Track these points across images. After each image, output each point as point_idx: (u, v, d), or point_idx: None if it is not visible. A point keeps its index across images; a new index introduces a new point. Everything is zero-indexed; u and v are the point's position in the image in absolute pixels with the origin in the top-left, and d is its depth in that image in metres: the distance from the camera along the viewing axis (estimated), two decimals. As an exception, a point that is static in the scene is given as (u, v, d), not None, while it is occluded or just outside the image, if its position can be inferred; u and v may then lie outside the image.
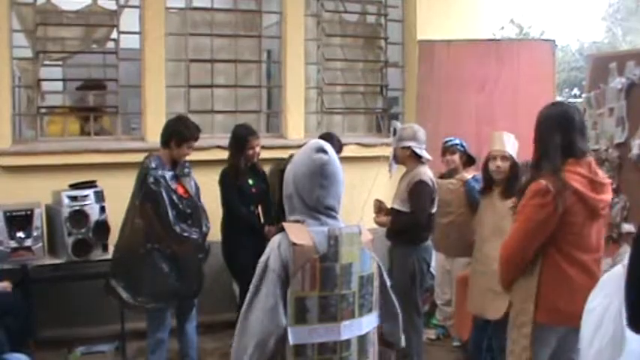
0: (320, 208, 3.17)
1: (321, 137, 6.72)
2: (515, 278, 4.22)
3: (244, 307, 3.11)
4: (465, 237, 6.40)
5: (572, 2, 32.15)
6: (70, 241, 6.07)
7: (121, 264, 5.64)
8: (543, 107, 4.38)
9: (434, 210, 5.92)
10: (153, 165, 5.54)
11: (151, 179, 5.48)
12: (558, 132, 4.12)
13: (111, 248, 6.18)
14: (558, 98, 22.47)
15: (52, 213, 6.30)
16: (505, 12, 28.29)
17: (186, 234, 5.57)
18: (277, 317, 3.02)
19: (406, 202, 5.80)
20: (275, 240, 3.13)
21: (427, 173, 5.84)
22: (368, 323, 3.24)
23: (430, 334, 7.15)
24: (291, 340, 3.03)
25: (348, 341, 3.15)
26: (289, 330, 3.03)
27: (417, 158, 5.90)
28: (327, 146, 3.22)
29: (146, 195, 5.49)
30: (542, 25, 28.93)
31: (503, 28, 28.09)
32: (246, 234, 6.34)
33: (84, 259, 6.16)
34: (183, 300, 5.83)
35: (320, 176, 3.15)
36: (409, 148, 5.87)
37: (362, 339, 3.21)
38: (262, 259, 3.11)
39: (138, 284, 5.58)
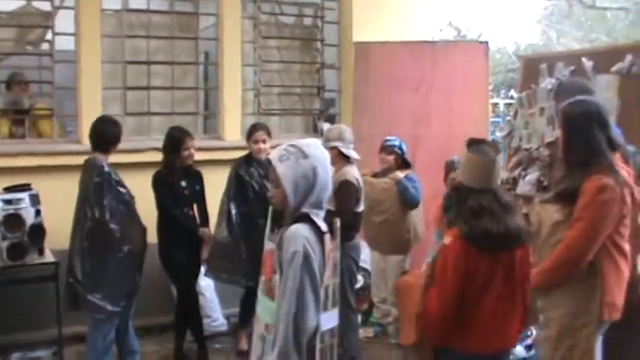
0: (325, 201, 3.35)
1: (254, 126, 6.73)
2: (565, 280, 4.14)
3: (292, 299, 3.11)
4: (398, 235, 6.54)
5: (508, 5, 32.59)
6: (4, 245, 5.95)
7: (96, 274, 5.54)
8: (569, 105, 4.32)
9: (360, 209, 5.98)
10: (107, 168, 5.60)
11: (114, 182, 5.57)
12: (598, 128, 4.11)
13: (47, 252, 6.15)
14: (495, 99, 22.85)
15: (-15, 217, 6.20)
16: (443, 15, 28.58)
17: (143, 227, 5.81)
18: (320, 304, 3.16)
19: (332, 201, 5.89)
20: (301, 229, 3.20)
21: (352, 173, 5.91)
22: None
23: (369, 332, 7.24)
24: (322, 326, 3.17)
25: (336, 327, 3.34)
26: (321, 316, 3.17)
27: (345, 158, 5.97)
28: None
29: (119, 198, 5.57)
30: (479, 28, 29.27)
31: (441, 30, 28.39)
32: (180, 235, 6.35)
33: (19, 263, 6.04)
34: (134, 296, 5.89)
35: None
36: (335, 148, 5.94)
37: None
38: (296, 248, 3.14)
39: (117, 290, 5.60)
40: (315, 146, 3.37)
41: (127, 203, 5.65)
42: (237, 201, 6.41)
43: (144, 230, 5.85)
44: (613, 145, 4.16)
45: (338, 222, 3.33)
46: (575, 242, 4.06)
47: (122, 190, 5.61)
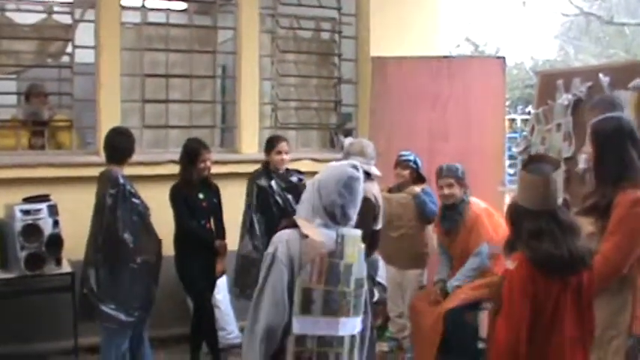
0: (328, 213, 3.38)
1: (276, 137, 6.73)
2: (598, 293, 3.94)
3: (255, 297, 3.29)
4: (416, 249, 6.54)
5: (526, 21, 32.57)
6: (22, 255, 6.00)
7: (110, 284, 5.60)
8: (599, 121, 4.34)
9: (378, 227, 5.94)
10: (122, 180, 5.67)
11: (127, 194, 5.64)
12: (631, 143, 4.15)
13: (64, 262, 6.19)
14: (512, 115, 22.81)
15: (4, 227, 6.24)
16: (461, 30, 28.61)
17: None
18: (283, 306, 3.21)
19: None
20: (283, 234, 3.34)
21: (371, 190, 5.85)
22: (358, 325, 3.46)
23: (383, 346, 7.21)
24: (295, 329, 3.23)
25: (342, 338, 3.35)
26: (294, 319, 3.23)
27: (365, 174, 5.95)
28: (361, 170, 3.51)
29: (133, 209, 5.64)
30: (497, 43, 29.27)
31: (459, 45, 28.43)
32: (197, 248, 6.35)
33: (37, 273, 6.08)
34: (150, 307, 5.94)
35: (343, 184, 3.39)
36: None
37: (352, 339, 3.42)
38: (269, 250, 3.31)
39: (130, 300, 5.64)
40: (335, 164, 3.55)
41: (140, 214, 5.70)
42: (260, 213, 6.38)
43: (159, 242, 5.89)
44: None
45: (344, 230, 3.36)
46: (612, 255, 4.05)
47: (136, 201, 5.68)
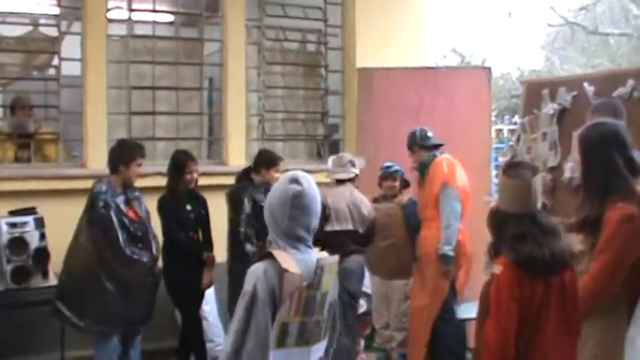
0: (291, 237, 3.26)
1: (276, 156, 6.71)
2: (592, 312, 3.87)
3: (235, 338, 3.13)
4: (402, 259, 6.54)
5: (512, 31, 32.72)
6: (9, 268, 5.98)
7: (68, 286, 5.70)
8: (586, 129, 4.19)
9: (331, 228, 6.06)
10: (103, 189, 5.70)
11: (101, 203, 5.63)
12: (617, 150, 3.96)
13: (51, 275, 6.17)
14: (499, 125, 22.87)
15: (-10, 240, 6.22)
16: (447, 42, 28.69)
17: (136, 257, 5.72)
18: (268, 346, 3.11)
19: None
20: (259, 267, 3.18)
21: (329, 192, 6.09)
22: (325, 345, 3.38)
23: (371, 357, 7.21)
24: None
25: None
26: (271, 353, 3.11)
27: (336, 182, 6.27)
28: (304, 178, 3.31)
29: (95, 218, 5.63)
30: (483, 54, 29.34)
31: (445, 57, 28.51)
32: (184, 259, 6.30)
33: (23, 286, 6.06)
34: (132, 326, 5.91)
35: (290, 207, 3.24)
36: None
37: None
38: (247, 288, 3.14)
39: (85, 307, 5.66)
40: (277, 185, 3.41)
41: (105, 225, 5.64)
42: (258, 229, 6.12)
43: (137, 260, 5.78)
44: (634, 169, 4.01)
45: (322, 261, 3.25)
46: (600, 275, 3.90)
47: (103, 211, 5.65)
